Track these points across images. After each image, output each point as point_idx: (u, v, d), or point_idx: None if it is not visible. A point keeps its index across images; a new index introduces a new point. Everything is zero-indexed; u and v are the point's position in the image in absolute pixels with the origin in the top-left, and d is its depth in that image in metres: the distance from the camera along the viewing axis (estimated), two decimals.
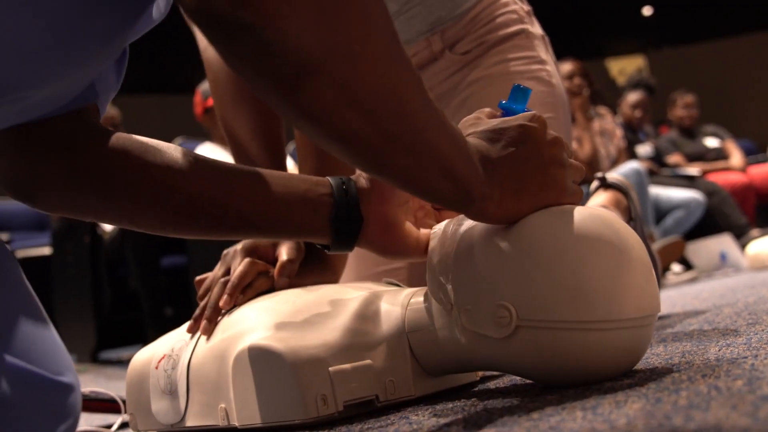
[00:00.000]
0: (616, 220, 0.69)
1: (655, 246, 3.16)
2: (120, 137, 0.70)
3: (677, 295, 2.08)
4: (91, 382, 2.01)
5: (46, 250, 3.41)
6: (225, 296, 0.83)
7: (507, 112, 0.73)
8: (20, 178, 0.70)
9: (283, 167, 1.00)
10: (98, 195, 0.69)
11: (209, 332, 0.81)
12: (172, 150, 0.71)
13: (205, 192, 0.70)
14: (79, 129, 0.69)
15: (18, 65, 0.56)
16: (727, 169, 4.35)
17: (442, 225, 0.76)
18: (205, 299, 0.85)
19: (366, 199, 0.75)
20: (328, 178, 0.75)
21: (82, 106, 0.69)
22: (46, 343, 0.65)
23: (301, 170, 0.97)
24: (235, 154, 1.02)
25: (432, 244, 0.75)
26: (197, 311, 0.84)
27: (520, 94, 0.75)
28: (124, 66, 0.72)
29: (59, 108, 0.67)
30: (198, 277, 0.91)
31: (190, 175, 0.70)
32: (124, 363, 2.87)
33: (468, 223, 0.72)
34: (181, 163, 0.70)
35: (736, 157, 4.42)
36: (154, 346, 0.89)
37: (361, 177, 0.76)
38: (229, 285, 0.84)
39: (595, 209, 0.69)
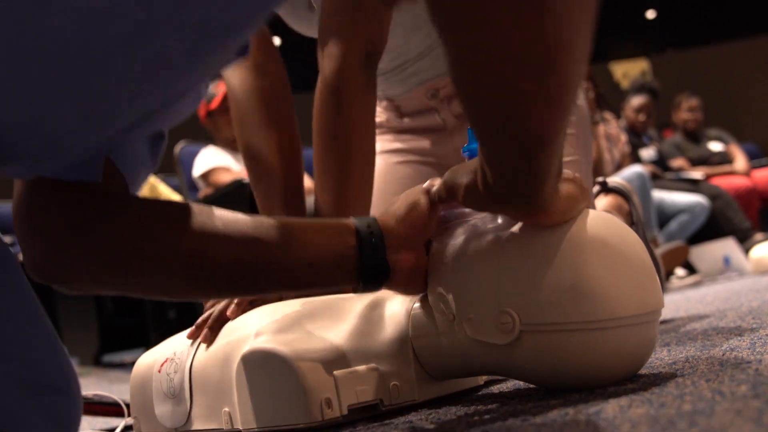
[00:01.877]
0: (614, 219, 0.69)
1: (659, 250, 3.15)
2: (144, 206, 0.68)
3: (681, 299, 2.08)
4: (94, 386, 2.02)
5: None
6: (233, 306, 0.83)
7: (472, 154, 0.76)
8: (48, 264, 0.66)
9: (301, 181, 1.02)
10: (127, 271, 0.67)
11: (210, 341, 0.81)
12: (197, 214, 0.69)
13: (235, 258, 0.68)
14: (104, 202, 0.66)
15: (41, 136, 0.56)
16: (731, 173, 4.34)
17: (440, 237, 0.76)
18: (212, 308, 0.85)
19: (393, 245, 0.73)
20: (354, 223, 0.73)
21: (97, 178, 0.65)
22: (47, 350, 0.65)
23: (317, 199, 0.98)
24: (254, 172, 1.03)
25: (430, 256, 0.75)
26: (201, 318, 0.84)
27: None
28: (161, 148, 0.71)
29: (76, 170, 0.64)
30: None
31: (218, 241, 0.68)
32: (127, 366, 2.88)
33: (465, 235, 0.72)
34: (208, 228, 0.68)
35: (740, 161, 4.41)
36: (157, 349, 0.89)
37: (388, 218, 0.74)
38: None
39: (592, 211, 0.69)
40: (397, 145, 1.32)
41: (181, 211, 0.69)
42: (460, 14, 0.49)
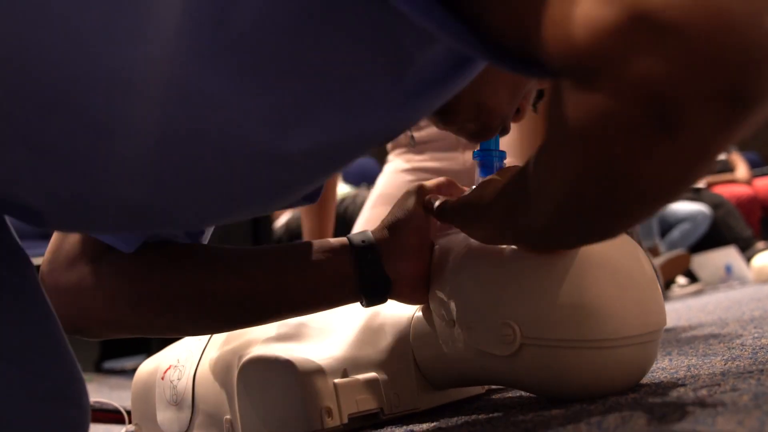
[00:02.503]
0: (622, 237, 0.69)
1: (661, 259, 3.15)
2: (148, 249, 0.70)
3: (683, 308, 2.08)
4: (95, 392, 2.01)
5: None
6: None
7: (484, 158, 0.75)
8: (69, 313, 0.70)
9: None
10: (134, 311, 0.71)
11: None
12: (197, 254, 0.71)
13: (239, 293, 0.70)
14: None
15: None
16: (733, 181, 4.35)
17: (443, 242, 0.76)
18: None
19: (390, 256, 0.73)
20: (350, 240, 0.73)
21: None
22: (58, 359, 0.65)
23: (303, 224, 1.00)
24: None
25: (433, 261, 0.75)
26: None
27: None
28: None
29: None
30: None
31: (221, 278, 0.70)
32: (127, 373, 2.87)
33: (469, 242, 0.72)
34: (210, 267, 0.71)
35: (742, 170, 4.41)
36: (160, 356, 0.89)
37: (383, 229, 0.74)
38: None
39: None
40: (411, 164, 1.35)
41: (182, 252, 0.71)
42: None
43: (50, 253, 0.71)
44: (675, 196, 0.47)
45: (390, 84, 0.55)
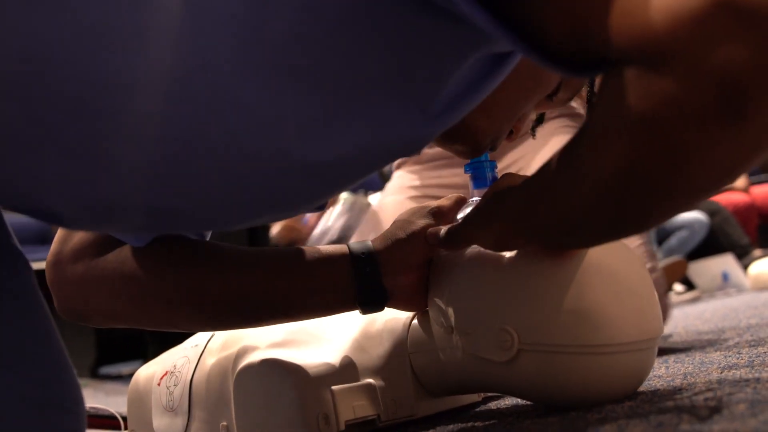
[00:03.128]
0: (620, 243, 0.69)
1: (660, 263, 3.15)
2: (150, 246, 0.71)
3: (679, 315, 2.08)
4: (91, 398, 2.01)
5: None
6: None
7: (476, 170, 0.76)
8: (71, 304, 0.72)
9: None
10: (136, 305, 0.72)
11: None
12: (198, 247, 0.72)
13: (237, 292, 0.71)
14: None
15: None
16: (730, 188, 4.35)
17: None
18: None
19: (388, 268, 0.73)
20: (350, 250, 0.73)
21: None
22: (56, 368, 0.65)
23: None
24: None
25: (432, 267, 0.75)
26: None
27: None
28: None
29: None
30: None
31: (220, 277, 0.71)
32: (124, 378, 2.87)
33: (467, 249, 0.72)
34: (212, 261, 0.72)
35: (739, 177, 4.42)
36: (157, 362, 0.89)
37: (384, 242, 0.74)
38: None
39: None
40: (416, 182, 1.35)
41: (185, 249, 0.72)
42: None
43: (56, 245, 0.72)
44: (728, 183, 0.47)
45: (418, 99, 0.55)
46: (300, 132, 0.52)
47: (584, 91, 0.74)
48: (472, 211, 0.67)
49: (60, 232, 0.73)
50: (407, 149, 0.59)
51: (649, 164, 0.46)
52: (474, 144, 0.70)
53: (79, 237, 0.72)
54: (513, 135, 0.74)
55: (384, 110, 0.54)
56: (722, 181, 0.47)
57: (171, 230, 0.70)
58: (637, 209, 0.51)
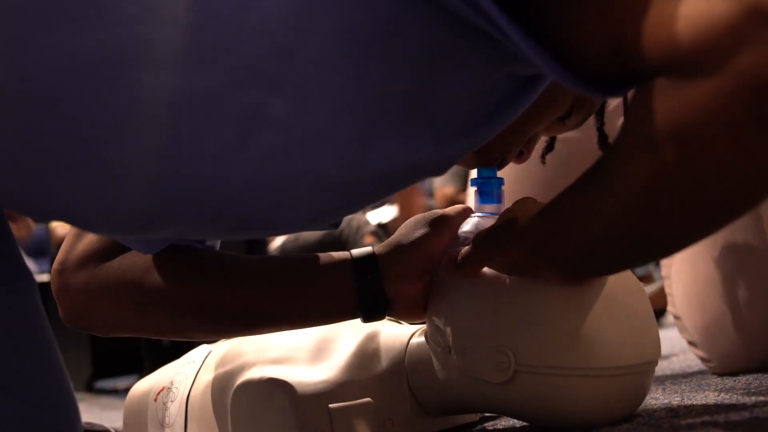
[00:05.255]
0: None
1: (654, 286, 3.14)
2: (159, 255, 0.72)
3: (676, 336, 2.07)
4: (86, 412, 1.99)
5: (45, 277, 3.39)
6: None
7: (483, 185, 0.75)
8: (76, 310, 0.73)
9: None
10: (140, 313, 0.73)
11: None
12: (202, 256, 0.73)
13: (241, 299, 0.72)
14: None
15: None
16: None
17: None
18: None
19: (391, 276, 0.72)
20: (352, 257, 0.73)
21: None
22: (55, 389, 0.64)
23: None
24: None
25: (430, 289, 0.74)
26: None
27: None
28: None
29: None
30: None
31: (225, 283, 0.72)
32: (119, 393, 2.85)
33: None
34: (216, 270, 0.72)
35: None
36: (153, 377, 0.89)
37: (389, 248, 0.74)
38: None
39: None
40: None
41: (189, 257, 0.72)
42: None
43: (62, 254, 0.73)
44: (763, 200, 0.46)
45: (444, 119, 0.56)
46: (337, 150, 0.53)
47: (592, 119, 0.74)
48: (485, 235, 0.66)
49: (66, 241, 0.74)
50: (433, 170, 0.59)
51: (681, 178, 0.45)
52: (480, 156, 0.71)
53: (83, 245, 0.72)
54: (524, 156, 0.74)
55: (413, 129, 0.55)
56: (757, 197, 0.45)
57: (190, 238, 0.71)
58: (665, 231, 0.50)
